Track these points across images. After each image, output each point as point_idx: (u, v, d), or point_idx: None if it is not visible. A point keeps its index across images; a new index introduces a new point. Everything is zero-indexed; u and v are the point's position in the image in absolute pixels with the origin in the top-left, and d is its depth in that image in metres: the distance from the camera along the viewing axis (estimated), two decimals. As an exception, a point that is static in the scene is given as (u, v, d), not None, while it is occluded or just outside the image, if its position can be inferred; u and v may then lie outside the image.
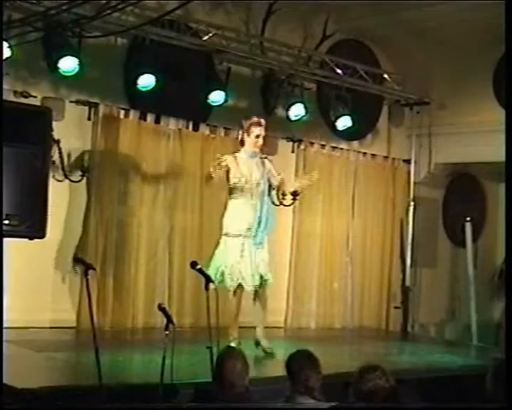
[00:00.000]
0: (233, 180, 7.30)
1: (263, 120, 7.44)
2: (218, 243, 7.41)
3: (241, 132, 7.48)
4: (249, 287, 7.26)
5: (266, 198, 7.44)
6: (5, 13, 7.32)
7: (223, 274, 7.23)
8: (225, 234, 7.31)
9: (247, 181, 7.28)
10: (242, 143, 7.43)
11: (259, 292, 7.37)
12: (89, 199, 8.72)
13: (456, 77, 10.62)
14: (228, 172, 7.29)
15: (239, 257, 7.19)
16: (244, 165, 7.32)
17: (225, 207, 7.45)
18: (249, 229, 7.23)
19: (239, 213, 7.28)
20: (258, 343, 7.40)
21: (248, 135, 7.35)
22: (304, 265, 10.40)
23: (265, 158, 7.55)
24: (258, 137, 7.34)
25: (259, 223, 7.28)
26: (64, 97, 8.54)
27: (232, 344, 6.97)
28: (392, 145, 11.53)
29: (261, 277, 7.30)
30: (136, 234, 8.97)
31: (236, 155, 7.39)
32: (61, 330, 8.29)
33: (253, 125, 7.34)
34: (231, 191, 7.37)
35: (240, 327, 7.38)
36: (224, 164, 7.17)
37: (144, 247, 9.04)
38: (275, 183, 7.60)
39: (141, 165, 9.02)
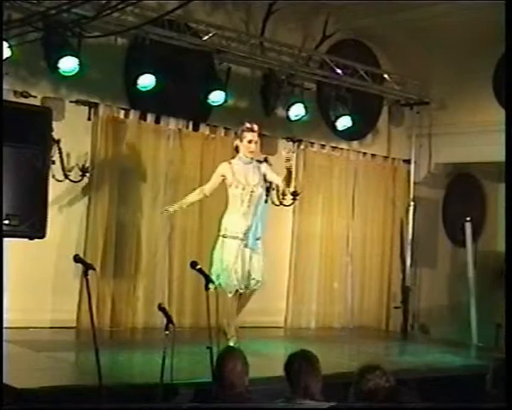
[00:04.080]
0: (229, 188, 7.31)
1: (255, 126, 7.34)
2: (214, 245, 7.37)
3: (235, 139, 7.46)
4: (241, 289, 7.23)
5: (262, 203, 7.40)
6: (5, 13, 7.32)
7: (219, 276, 7.19)
8: (223, 235, 7.29)
9: (243, 188, 7.25)
10: (237, 149, 7.39)
11: (245, 293, 7.33)
12: (89, 199, 8.72)
13: (456, 77, 10.62)
14: (224, 179, 7.31)
15: (235, 258, 7.17)
16: (239, 172, 7.28)
17: (225, 209, 7.44)
18: (245, 233, 7.21)
19: (236, 218, 7.26)
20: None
21: (241, 140, 7.32)
22: (304, 265, 10.39)
23: (261, 162, 7.53)
24: (250, 142, 7.28)
25: (251, 227, 7.26)
26: (64, 97, 8.55)
27: (231, 343, 6.96)
28: (392, 145, 11.53)
29: (252, 280, 7.26)
30: (136, 234, 8.98)
31: (232, 161, 7.36)
32: (61, 330, 8.29)
33: (244, 131, 7.29)
34: (229, 197, 7.36)
35: (240, 327, 7.38)
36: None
37: (144, 247, 9.04)
38: (278, 182, 7.52)
39: (141, 165, 9.03)
